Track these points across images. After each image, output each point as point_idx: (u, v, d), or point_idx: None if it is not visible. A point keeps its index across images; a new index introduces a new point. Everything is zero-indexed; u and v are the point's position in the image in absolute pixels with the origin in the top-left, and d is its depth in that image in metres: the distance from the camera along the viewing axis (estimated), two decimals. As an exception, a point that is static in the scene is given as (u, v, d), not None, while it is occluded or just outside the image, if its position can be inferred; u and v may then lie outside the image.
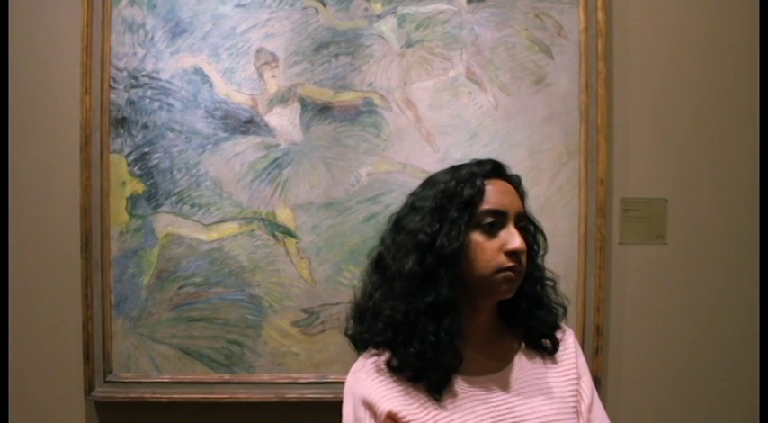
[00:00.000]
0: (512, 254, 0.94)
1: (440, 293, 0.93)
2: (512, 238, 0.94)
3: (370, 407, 0.94)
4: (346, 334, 1.04)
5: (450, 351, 0.93)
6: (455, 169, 1.01)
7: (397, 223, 1.01)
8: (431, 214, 0.96)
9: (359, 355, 1.03)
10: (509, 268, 0.94)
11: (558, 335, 1.04)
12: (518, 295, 0.98)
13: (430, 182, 1.02)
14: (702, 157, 1.67)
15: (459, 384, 0.95)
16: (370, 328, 0.99)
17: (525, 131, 1.62)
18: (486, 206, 0.95)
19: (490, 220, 0.95)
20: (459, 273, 0.94)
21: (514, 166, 1.04)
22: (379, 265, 1.01)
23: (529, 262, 0.99)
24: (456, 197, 0.95)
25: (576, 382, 1.01)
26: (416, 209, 0.99)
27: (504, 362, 1.00)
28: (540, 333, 1.03)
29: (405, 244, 0.97)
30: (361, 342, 1.02)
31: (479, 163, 1.00)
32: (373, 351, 1.00)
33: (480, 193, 0.95)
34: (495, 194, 0.96)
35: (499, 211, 0.95)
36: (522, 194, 1.01)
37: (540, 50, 1.62)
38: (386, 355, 0.97)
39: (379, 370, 0.97)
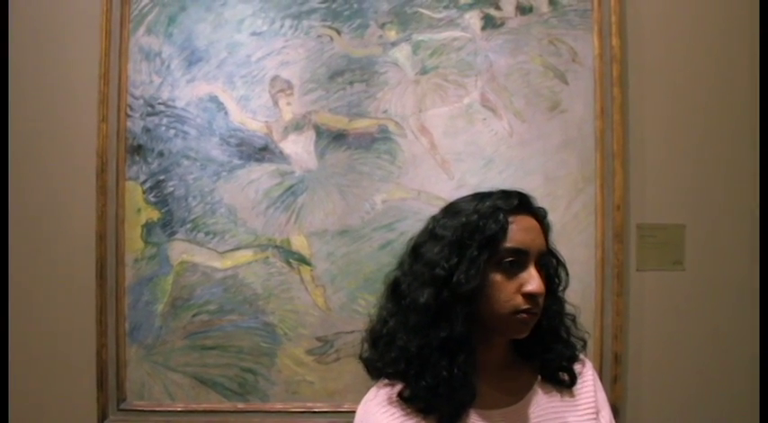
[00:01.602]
0: (529, 296, 0.91)
1: (454, 329, 0.91)
2: (531, 279, 0.91)
3: None
4: (360, 358, 1.02)
5: (463, 386, 0.91)
6: (480, 199, 0.97)
7: (416, 249, 0.99)
8: (449, 247, 0.94)
9: (372, 380, 1.01)
10: (525, 310, 0.92)
11: (577, 368, 1.02)
12: (534, 329, 0.96)
13: (452, 210, 0.99)
14: (720, 181, 1.65)
15: (473, 418, 0.93)
16: (382, 357, 0.97)
17: (540, 158, 1.61)
18: (508, 244, 0.92)
19: (511, 258, 0.92)
20: (476, 310, 0.92)
21: (530, 192, 1.00)
22: (395, 293, 0.99)
23: (547, 296, 0.96)
24: (477, 233, 0.92)
25: (594, 417, 0.98)
26: (436, 238, 0.97)
27: (520, 396, 0.98)
28: (557, 366, 1.00)
29: (422, 274, 0.95)
30: (374, 370, 1.01)
31: (505, 195, 0.96)
32: (386, 381, 0.98)
33: (503, 230, 0.92)
34: (518, 232, 0.93)
35: (521, 251, 0.92)
36: (546, 229, 0.98)
37: (555, 76, 1.62)
38: (398, 387, 0.95)
39: (390, 402, 0.95)
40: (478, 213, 0.94)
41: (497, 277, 0.92)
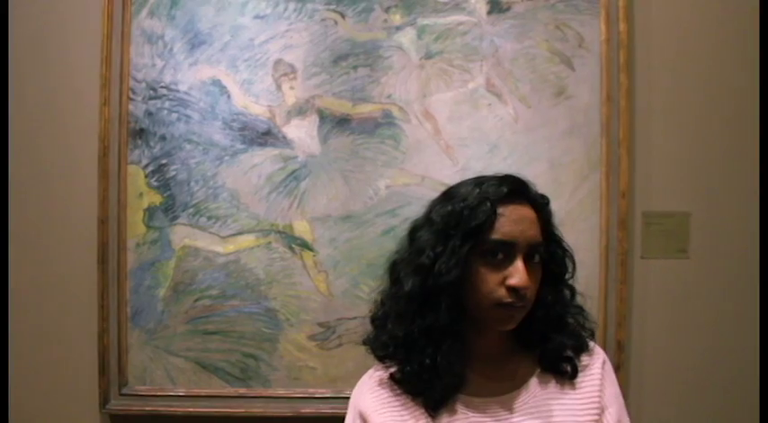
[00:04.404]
0: (513, 289, 0.88)
1: (438, 319, 0.91)
2: (515, 272, 0.88)
3: (365, 420, 0.96)
4: (364, 340, 1.02)
5: (448, 374, 0.91)
6: (475, 185, 0.94)
7: (412, 234, 0.98)
8: (437, 235, 0.92)
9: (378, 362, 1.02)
10: (508, 304, 0.89)
11: (585, 360, 0.98)
12: (531, 320, 0.94)
13: (448, 194, 0.97)
14: (726, 169, 1.64)
15: (460, 404, 0.93)
16: (376, 340, 0.99)
17: (546, 144, 1.60)
18: (494, 236, 0.89)
19: (496, 250, 0.89)
20: (461, 300, 0.91)
21: (535, 178, 0.96)
22: (391, 276, 0.99)
23: (544, 286, 0.94)
24: (462, 223, 0.90)
25: (596, 412, 0.94)
26: (430, 223, 0.95)
27: (514, 385, 0.96)
28: (557, 356, 0.97)
29: (412, 261, 0.94)
30: (372, 351, 1.01)
31: (499, 183, 0.92)
32: (384, 364, 0.99)
33: (490, 221, 0.89)
34: (505, 224, 0.89)
35: (507, 243, 0.89)
36: (545, 217, 0.95)
37: (561, 62, 1.61)
38: (393, 369, 0.97)
39: (381, 384, 0.97)
40: (465, 202, 0.91)
41: (482, 268, 0.90)
